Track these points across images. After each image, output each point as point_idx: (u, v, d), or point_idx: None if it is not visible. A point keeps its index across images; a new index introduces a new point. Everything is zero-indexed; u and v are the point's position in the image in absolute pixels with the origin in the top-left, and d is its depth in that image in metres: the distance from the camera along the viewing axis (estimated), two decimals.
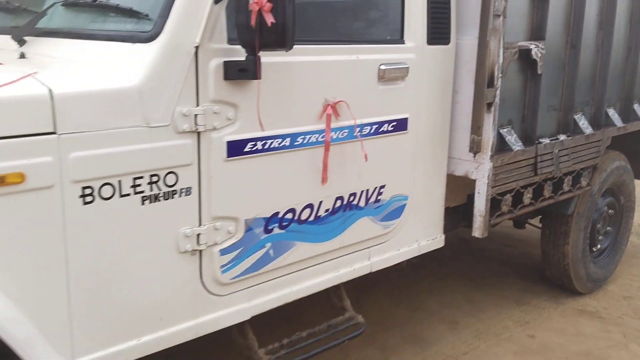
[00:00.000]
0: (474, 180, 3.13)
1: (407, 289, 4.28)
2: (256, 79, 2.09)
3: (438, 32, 2.88)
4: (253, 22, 1.96)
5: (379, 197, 2.80)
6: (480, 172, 3.10)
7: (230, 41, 2.12)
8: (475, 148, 3.03)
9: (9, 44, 2.43)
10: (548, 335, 3.80)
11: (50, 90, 1.77)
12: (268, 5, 1.96)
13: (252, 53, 2.05)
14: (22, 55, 2.18)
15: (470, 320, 3.94)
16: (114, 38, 2.06)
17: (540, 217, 4.26)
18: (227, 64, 2.10)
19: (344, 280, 2.75)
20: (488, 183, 3.11)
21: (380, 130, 2.70)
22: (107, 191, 1.91)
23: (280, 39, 2.00)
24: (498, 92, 3.01)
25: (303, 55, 2.32)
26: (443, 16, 2.89)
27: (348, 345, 2.94)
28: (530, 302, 4.25)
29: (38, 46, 2.29)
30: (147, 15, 2.03)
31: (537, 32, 3.26)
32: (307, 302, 2.72)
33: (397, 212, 2.91)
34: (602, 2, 3.69)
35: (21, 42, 2.39)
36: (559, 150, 3.57)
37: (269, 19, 1.97)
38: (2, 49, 2.44)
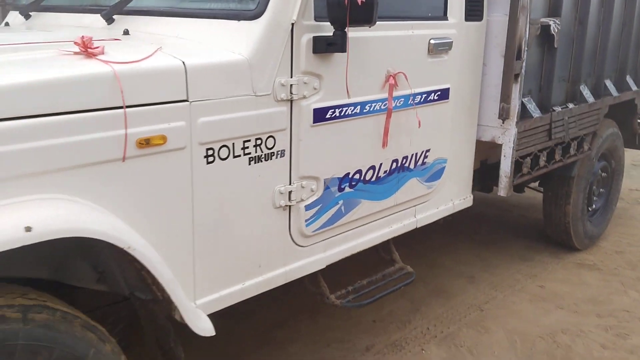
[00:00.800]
0: (498, 146, 3.48)
1: (422, 249, 4.63)
2: (344, 52, 2.35)
3: (474, 9, 3.18)
4: (346, 0, 2.22)
5: (425, 160, 3.11)
6: (507, 137, 3.44)
7: (317, 18, 2.37)
8: (504, 115, 3.37)
9: (94, 22, 2.63)
10: (556, 285, 4.21)
11: (183, 63, 2.00)
12: None
13: (341, 28, 2.31)
14: (126, 32, 2.38)
15: (484, 275, 4.32)
16: (218, 16, 2.29)
17: (538, 181, 4.65)
18: (316, 39, 2.36)
19: (396, 234, 3.07)
20: (513, 147, 3.45)
21: (428, 99, 3.00)
22: (224, 152, 2.17)
23: (368, 16, 2.26)
24: (524, 64, 3.34)
25: (373, 30, 2.58)
26: None
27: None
28: (534, 258, 4.66)
29: (130, 24, 2.49)
30: None
31: (554, 9, 3.60)
32: (358, 257, 3.03)
33: (438, 174, 3.23)
34: None
35: (110, 21, 2.59)
36: (568, 118, 3.94)
37: None
38: (89, 27, 2.64)
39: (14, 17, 3.13)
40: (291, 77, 2.33)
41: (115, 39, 2.20)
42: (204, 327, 2.09)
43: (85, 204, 1.79)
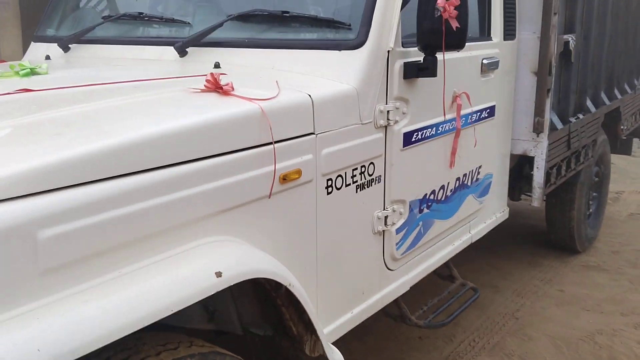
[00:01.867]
0: (531, 158, 3.63)
1: None
2: (435, 76, 2.40)
3: (509, 29, 3.32)
4: (443, 26, 2.27)
5: (478, 177, 3.20)
6: (539, 149, 3.59)
7: (404, 44, 2.42)
8: (539, 129, 3.51)
9: (163, 54, 2.57)
10: (573, 288, 4.39)
11: (309, 96, 1.99)
12: (455, 12, 2.28)
13: (431, 54, 2.36)
14: (217, 65, 2.33)
15: (506, 283, 4.45)
16: (316, 46, 2.29)
17: None
18: (406, 65, 2.40)
19: (458, 251, 3.13)
20: (545, 159, 3.60)
21: (481, 117, 3.10)
22: (339, 182, 2.16)
23: (461, 41, 2.33)
24: (553, 79, 3.51)
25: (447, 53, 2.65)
26: (511, 15, 3.33)
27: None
28: (543, 263, 4.84)
29: (206, 56, 2.45)
30: (348, 24, 2.28)
31: (569, 26, 3.80)
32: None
33: (487, 189, 3.32)
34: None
35: (183, 53, 2.53)
36: (580, 127, 4.15)
37: (455, 24, 2.29)
38: (159, 60, 2.57)
39: (53, 50, 2.98)
40: (386, 104, 2.36)
41: (220, 73, 2.15)
42: (337, 359, 2.07)
43: (244, 244, 1.75)
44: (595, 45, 4.33)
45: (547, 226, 4.96)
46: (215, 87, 1.88)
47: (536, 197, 3.68)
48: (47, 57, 2.89)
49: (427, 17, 2.28)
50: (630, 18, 5.08)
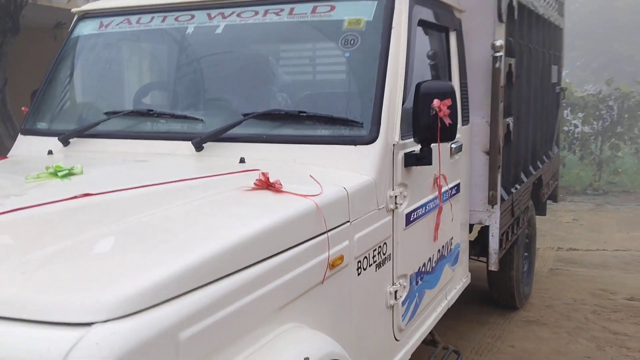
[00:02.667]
0: (486, 226, 4.04)
1: None
2: (431, 164, 2.73)
3: (465, 115, 3.76)
4: (439, 123, 2.62)
5: (451, 247, 3.54)
6: (493, 218, 4.01)
7: (402, 137, 2.74)
8: (493, 201, 3.94)
9: (177, 149, 2.74)
10: (522, 343, 4.79)
11: (345, 188, 2.24)
12: (447, 111, 2.64)
13: (427, 145, 2.70)
14: (242, 160, 2.52)
15: (463, 343, 4.77)
16: (332, 141, 2.55)
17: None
18: (407, 155, 2.71)
19: (440, 317, 3.41)
20: (498, 227, 4.02)
21: (452, 194, 3.47)
22: (365, 263, 2.40)
23: (453, 134, 2.69)
24: (501, 157, 3.98)
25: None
26: (466, 103, 3.78)
27: None
28: (489, 320, 5.24)
29: (225, 150, 2.65)
30: (361, 122, 2.57)
31: (507, 110, 4.33)
32: None
33: (457, 257, 3.67)
34: (527, 84, 4.93)
35: (200, 148, 2.70)
36: (519, 197, 4.66)
37: (448, 121, 2.65)
38: (173, 154, 2.73)
39: (50, 143, 3.01)
40: (393, 190, 2.65)
41: (253, 169, 2.35)
42: None
43: (308, 328, 1.92)
44: (524, 124, 4.92)
45: (489, 286, 5.38)
46: (267, 185, 2.09)
47: (493, 262, 4.08)
48: (50, 152, 2.95)
49: (424, 115, 2.62)
50: (544, 98, 5.79)
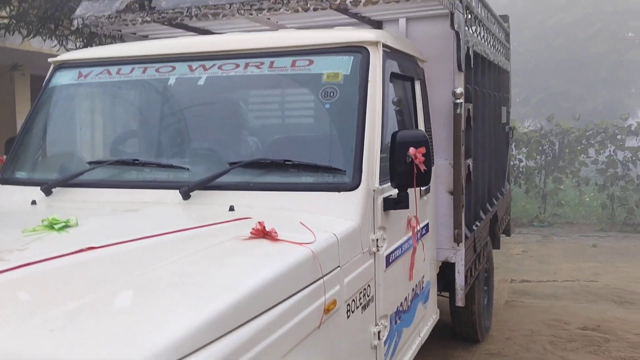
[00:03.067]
0: (452, 264, 4.22)
1: None
2: (408, 208, 2.89)
3: (428, 158, 3.96)
4: (415, 170, 2.79)
5: (422, 285, 3.69)
6: (459, 256, 4.20)
7: (380, 182, 2.90)
8: (458, 239, 4.13)
9: (164, 198, 2.81)
10: None
11: (334, 235, 2.36)
12: (422, 158, 2.82)
13: (404, 190, 2.86)
14: (232, 208, 2.62)
15: None
16: (316, 188, 2.68)
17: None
18: (385, 200, 2.87)
19: (415, 354, 3.54)
20: (464, 264, 4.22)
21: (423, 234, 3.64)
22: (352, 306, 2.51)
23: (428, 179, 2.86)
24: (464, 196, 4.19)
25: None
26: (431, 147, 3.99)
27: None
28: (454, 354, 5.40)
29: (212, 198, 2.74)
30: (343, 170, 2.71)
31: (467, 152, 4.57)
32: None
33: (428, 295, 3.82)
34: (482, 126, 5.21)
35: (187, 197, 2.78)
36: (479, 233, 4.88)
37: (423, 167, 2.82)
38: (161, 203, 2.80)
39: (30, 193, 3.02)
40: (374, 233, 2.79)
41: (245, 217, 2.44)
42: None
43: None
44: (481, 164, 5.18)
45: (452, 320, 5.56)
46: (264, 234, 2.19)
47: (459, 298, 4.25)
48: (34, 202, 2.96)
49: (401, 162, 2.79)
50: (497, 138, 6.10)
